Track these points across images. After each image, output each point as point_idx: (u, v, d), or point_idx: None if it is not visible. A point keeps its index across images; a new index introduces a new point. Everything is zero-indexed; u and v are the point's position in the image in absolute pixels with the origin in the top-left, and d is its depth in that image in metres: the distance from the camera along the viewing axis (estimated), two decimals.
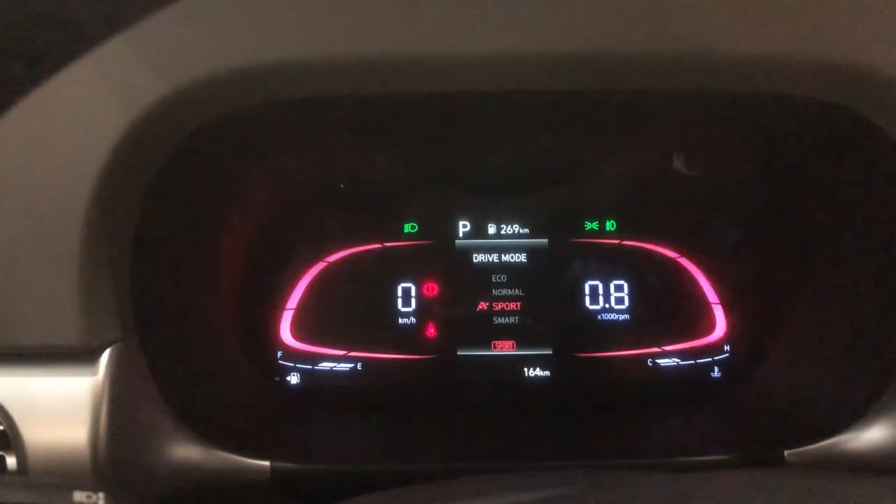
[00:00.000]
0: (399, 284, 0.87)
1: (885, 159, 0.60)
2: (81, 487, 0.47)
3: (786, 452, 0.64)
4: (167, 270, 0.67)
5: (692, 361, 0.86)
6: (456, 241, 0.88)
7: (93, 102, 0.53)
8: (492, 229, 0.88)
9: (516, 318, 0.87)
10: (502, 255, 0.88)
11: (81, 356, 0.58)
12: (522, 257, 0.88)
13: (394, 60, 0.53)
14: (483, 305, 0.87)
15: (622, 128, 0.77)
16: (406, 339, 0.87)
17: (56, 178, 0.53)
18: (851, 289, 0.70)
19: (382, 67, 0.54)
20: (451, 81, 0.56)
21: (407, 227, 0.88)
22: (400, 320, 0.87)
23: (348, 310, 0.87)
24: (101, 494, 0.42)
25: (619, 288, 0.87)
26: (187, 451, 0.62)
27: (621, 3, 0.51)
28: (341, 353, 0.86)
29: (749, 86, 0.56)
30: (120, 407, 0.58)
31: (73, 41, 0.52)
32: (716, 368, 0.86)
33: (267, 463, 0.64)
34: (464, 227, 0.88)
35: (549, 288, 0.87)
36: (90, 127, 0.53)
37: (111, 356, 0.58)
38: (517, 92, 0.59)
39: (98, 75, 0.52)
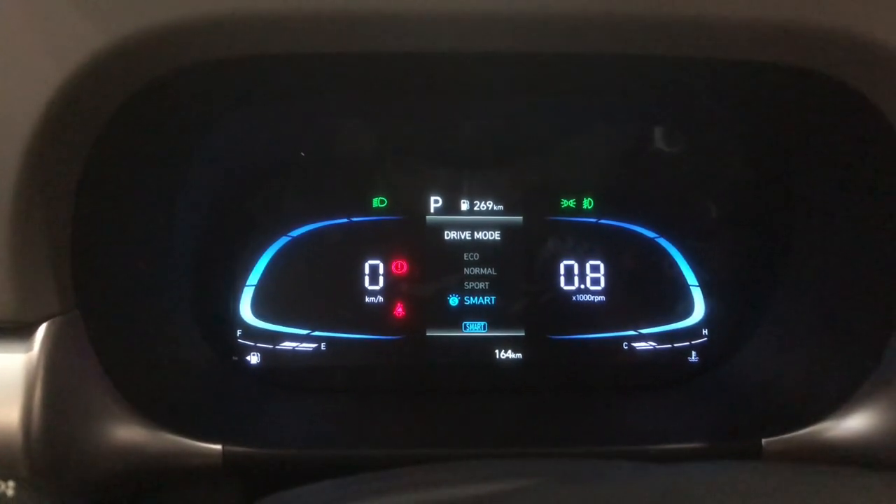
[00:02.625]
0: (366, 261, 0.83)
1: (869, 130, 0.57)
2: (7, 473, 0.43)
3: (763, 441, 0.61)
4: (112, 239, 0.62)
5: (669, 345, 0.83)
6: (427, 216, 0.84)
7: (25, 56, 0.48)
8: (464, 205, 0.85)
9: (488, 298, 0.84)
10: (475, 233, 0.84)
11: (14, 331, 0.53)
12: (496, 235, 0.84)
13: (357, 16, 0.49)
14: (454, 284, 0.84)
15: (600, 98, 0.73)
16: (373, 318, 0.83)
17: None
18: (834, 275, 0.68)
19: (344, 24, 0.50)
20: (418, 40, 0.52)
21: (376, 202, 0.84)
22: (367, 299, 0.83)
23: (312, 287, 0.83)
24: (10, 483, 0.38)
25: (595, 268, 0.84)
26: (131, 433, 0.58)
27: None
28: (304, 332, 0.82)
29: (728, 53, 0.52)
30: (57, 386, 0.54)
31: None
32: (693, 353, 0.83)
33: (219, 447, 0.60)
34: (435, 202, 0.84)
35: (522, 267, 0.84)
36: (22, 82, 0.49)
37: (48, 331, 0.54)
38: (489, 55, 0.55)
39: (31, 26, 0.48)
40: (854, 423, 0.60)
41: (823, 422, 0.61)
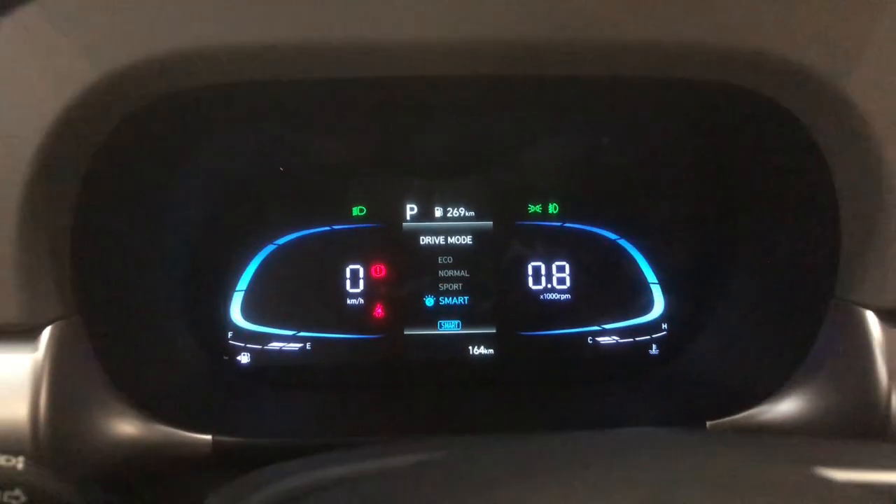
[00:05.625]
0: (347, 266, 0.89)
1: (793, 140, 0.63)
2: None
3: (707, 423, 0.67)
4: (109, 250, 0.68)
5: (631, 339, 0.89)
6: (403, 223, 0.90)
7: (26, 87, 0.54)
8: (438, 212, 0.91)
9: (462, 298, 0.90)
10: (448, 238, 0.90)
11: (22, 333, 0.59)
12: (468, 239, 0.90)
13: (323, 46, 0.55)
14: (429, 286, 0.90)
15: (554, 113, 0.79)
16: (354, 319, 0.89)
17: None
18: (770, 271, 0.74)
19: (313, 53, 0.56)
20: (379, 67, 0.58)
21: (356, 210, 0.90)
22: (348, 301, 0.89)
23: (298, 291, 0.89)
24: (20, 458, 0.43)
25: (560, 269, 0.90)
26: (129, 426, 0.64)
27: None
28: (291, 333, 0.88)
29: (660, 72, 0.58)
30: (61, 383, 0.60)
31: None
32: (653, 346, 0.89)
33: (209, 437, 0.66)
34: (411, 210, 0.90)
35: (493, 269, 0.90)
36: (24, 111, 0.54)
37: (52, 333, 0.59)
38: (445, 77, 0.61)
39: (31, 60, 0.54)
40: (786, 407, 0.66)
41: (760, 406, 0.67)
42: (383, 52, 0.56)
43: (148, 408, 0.65)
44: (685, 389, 0.80)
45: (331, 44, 0.55)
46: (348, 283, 0.89)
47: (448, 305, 0.90)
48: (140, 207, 0.73)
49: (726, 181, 0.79)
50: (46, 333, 0.59)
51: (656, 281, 0.90)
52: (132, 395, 0.65)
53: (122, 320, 0.70)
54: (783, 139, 0.65)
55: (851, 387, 0.62)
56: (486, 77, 0.62)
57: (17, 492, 0.42)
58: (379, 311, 0.89)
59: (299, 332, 0.88)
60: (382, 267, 0.89)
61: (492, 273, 0.90)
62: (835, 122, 0.59)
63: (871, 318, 0.62)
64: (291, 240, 0.89)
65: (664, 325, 0.89)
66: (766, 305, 0.75)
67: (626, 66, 0.58)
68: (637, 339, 0.89)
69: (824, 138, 0.61)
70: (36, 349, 0.59)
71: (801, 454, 0.30)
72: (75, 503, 0.46)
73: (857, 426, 0.62)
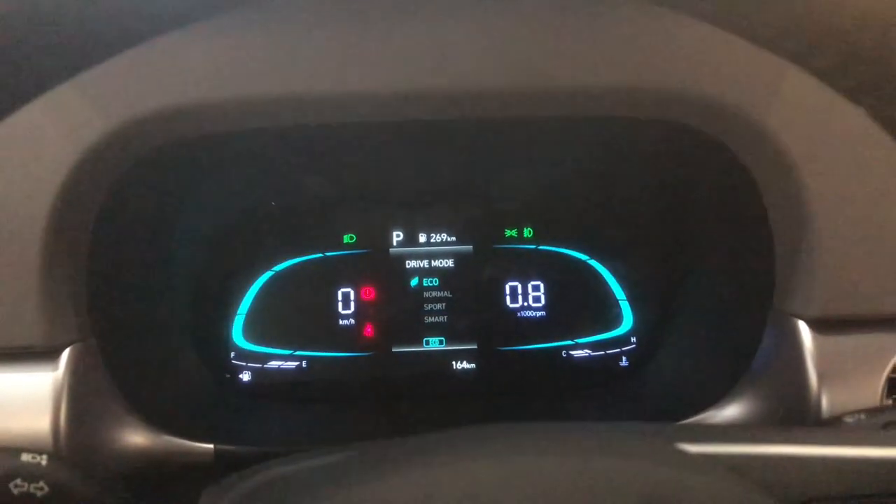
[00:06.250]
0: (339, 289, 0.97)
1: (728, 167, 0.70)
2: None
3: None
4: (121, 280, 0.76)
5: (602, 352, 0.96)
6: (390, 249, 0.98)
7: (45, 139, 0.62)
8: (422, 238, 0.98)
9: (445, 316, 0.97)
10: (432, 261, 0.98)
11: (44, 355, 0.66)
12: (450, 262, 0.98)
13: (303, 98, 0.63)
14: (415, 306, 0.97)
15: (521, 147, 0.87)
16: (346, 338, 0.96)
17: (15, 205, 0.63)
18: (718, 287, 0.81)
19: (297, 104, 0.64)
20: (356, 114, 0.66)
21: (346, 238, 0.98)
22: (340, 322, 0.96)
23: (294, 314, 0.97)
24: (44, 456, 0.51)
25: (536, 288, 0.97)
26: (138, 437, 0.71)
27: (489, 43, 0.61)
28: (288, 352, 0.96)
29: (604, 112, 0.66)
30: (78, 400, 0.66)
31: (28, 86, 0.62)
32: (623, 358, 0.96)
33: (211, 446, 0.73)
34: (397, 236, 0.98)
35: (473, 289, 0.98)
36: (44, 160, 0.63)
37: (71, 354, 0.67)
38: (410, 121, 0.69)
39: (48, 116, 0.62)
40: (731, 412, 0.72)
41: (709, 410, 0.73)
42: (357, 101, 0.64)
43: (156, 421, 0.72)
44: (649, 397, 0.87)
45: (314, 96, 0.63)
46: (340, 305, 0.96)
47: (432, 324, 0.97)
48: (148, 241, 0.81)
49: (677, 206, 0.86)
50: (66, 354, 0.66)
51: (625, 298, 0.97)
52: (142, 409, 0.72)
53: (133, 343, 0.78)
54: (720, 167, 0.73)
55: (786, 392, 0.68)
56: (449, 120, 0.70)
57: (41, 483, 0.49)
58: (369, 330, 0.97)
59: (296, 351, 0.96)
60: (371, 290, 0.97)
61: (472, 293, 0.97)
62: (759, 152, 0.66)
63: (803, 328, 0.68)
64: (287, 266, 0.97)
65: (633, 339, 0.96)
66: (716, 318, 0.82)
67: (571, 109, 0.66)
68: (608, 351, 0.96)
69: (752, 166, 0.68)
70: (56, 368, 0.66)
71: (673, 434, 0.37)
72: (95, 498, 0.53)
73: None
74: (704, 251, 0.83)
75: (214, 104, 0.62)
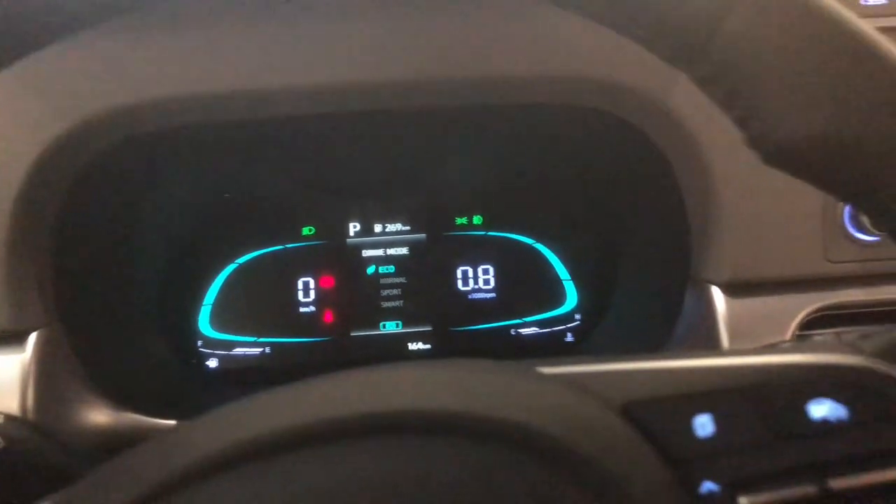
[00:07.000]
0: (300, 279, 1.02)
1: (644, 147, 0.76)
2: None
3: None
4: (86, 268, 0.80)
5: (549, 329, 1.02)
6: (347, 239, 1.03)
7: (5, 137, 0.67)
8: (378, 228, 1.04)
9: (401, 301, 1.02)
10: (387, 250, 1.03)
11: (11, 338, 0.70)
12: (405, 250, 1.03)
13: (256, 92, 0.69)
14: (372, 292, 1.02)
15: (462, 139, 0.92)
16: (307, 324, 1.01)
17: None
18: (645, 260, 0.86)
19: (248, 98, 0.69)
20: (308, 106, 0.72)
21: (305, 230, 1.03)
22: (301, 309, 1.02)
23: (258, 303, 1.02)
24: (1, 414, 0.56)
25: (486, 271, 1.02)
26: (104, 416, 0.74)
27: (406, 37, 0.67)
28: (252, 339, 1.01)
29: (520, 100, 0.72)
30: (45, 382, 0.70)
31: None
32: (569, 334, 1.01)
33: (173, 421, 0.78)
34: (354, 227, 1.04)
35: (427, 275, 1.03)
36: (5, 157, 0.68)
37: (37, 338, 0.70)
38: (357, 113, 0.74)
39: (4, 116, 0.67)
40: None
41: None
42: (307, 94, 0.70)
43: (121, 401, 0.76)
44: None
45: (265, 89, 0.68)
46: (301, 293, 1.02)
47: (389, 308, 1.02)
48: (113, 232, 0.86)
49: (606, 188, 0.92)
50: (32, 339, 0.70)
51: (569, 277, 1.02)
52: (108, 390, 0.76)
53: (99, 330, 0.82)
54: (637, 149, 0.78)
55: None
56: (389, 112, 0.75)
57: None
58: (328, 316, 1.02)
59: (260, 338, 1.01)
60: (330, 278, 1.02)
61: (426, 278, 1.03)
62: (666, 132, 0.72)
63: (717, 292, 0.74)
64: (250, 259, 1.02)
65: (577, 316, 1.02)
66: (648, 291, 0.87)
67: (494, 97, 0.72)
68: (554, 328, 1.01)
69: (663, 145, 0.74)
70: (23, 351, 0.70)
71: (539, 361, 0.41)
72: (58, 461, 0.57)
73: None
74: (633, 229, 0.89)
75: (159, 102, 0.68)
